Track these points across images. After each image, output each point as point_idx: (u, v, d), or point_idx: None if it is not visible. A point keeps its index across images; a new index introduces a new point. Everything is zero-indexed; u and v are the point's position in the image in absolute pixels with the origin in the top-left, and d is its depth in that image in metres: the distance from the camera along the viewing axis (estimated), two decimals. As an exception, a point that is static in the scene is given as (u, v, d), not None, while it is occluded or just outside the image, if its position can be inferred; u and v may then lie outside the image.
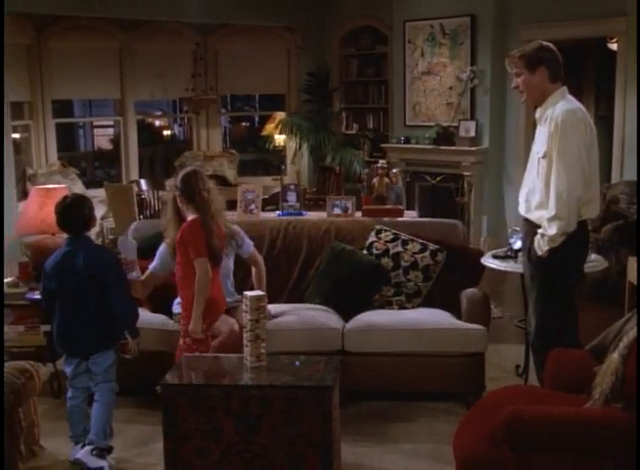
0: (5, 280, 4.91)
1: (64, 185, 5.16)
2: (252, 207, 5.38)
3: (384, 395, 4.42)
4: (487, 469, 2.92)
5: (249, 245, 4.54)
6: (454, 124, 8.46)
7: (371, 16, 9.52)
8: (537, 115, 3.87)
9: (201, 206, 4.01)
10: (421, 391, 4.40)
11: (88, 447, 3.60)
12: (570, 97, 3.80)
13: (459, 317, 4.47)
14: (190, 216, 4.02)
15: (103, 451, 3.60)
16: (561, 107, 3.70)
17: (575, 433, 2.73)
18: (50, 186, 5.01)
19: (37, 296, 4.58)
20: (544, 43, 3.86)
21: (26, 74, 8.32)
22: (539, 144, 3.82)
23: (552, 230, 3.63)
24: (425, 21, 8.63)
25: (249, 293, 3.57)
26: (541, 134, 3.81)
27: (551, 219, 3.64)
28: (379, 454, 3.84)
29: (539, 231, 3.72)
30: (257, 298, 3.55)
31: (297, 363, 3.62)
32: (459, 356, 4.31)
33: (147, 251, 4.81)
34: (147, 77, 9.28)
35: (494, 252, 4.75)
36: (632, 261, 5.90)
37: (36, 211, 4.85)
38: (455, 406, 4.36)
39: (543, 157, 3.73)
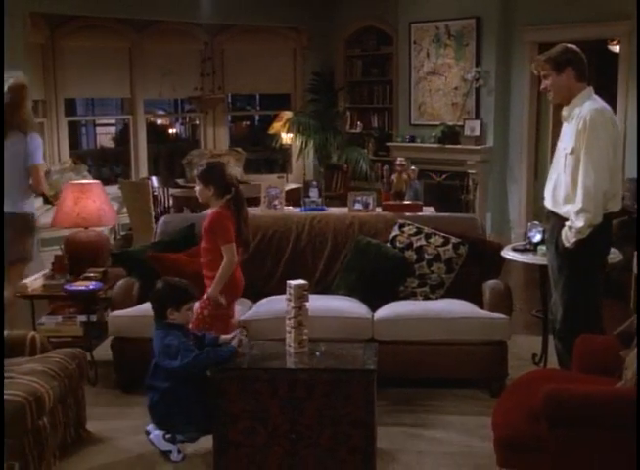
0: (41, 272, 5.07)
1: (95, 181, 5.31)
2: (276, 202, 5.56)
3: (411, 381, 4.61)
4: (525, 445, 3.13)
5: None
6: (459, 124, 8.67)
7: (376, 17, 9.72)
8: (564, 113, 4.07)
9: (236, 199, 4.21)
10: (446, 377, 4.61)
11: (162, 432, 3.77)
12: (595, 96, 4.00)
13: (480, 307, 4.66)
14: (215, 206, 4.22)
15: (175, 436, 3.76)
16: (588, 106, 3.91)
17: (612, 409, 2.93)
18: (84, 182, 5.17)
19: (75, 287, 4.76)
20: (569, 45, 4.06)
21: (40, 73, 8.45)
22: (566, 141, 4.01)
23: (580, 222, 3.83)
24: (430, 22, 8.84)
25: (292, 282, 3.75)
26: (568, 131, 4.01)
27: (579, 212, 3.83)
28: (411, 436, 4.04)
29: (567, 224, 3.91)
30: (300, 286, 3.73)
31: (324, 349, 3.81)
32: (483, 344, 4.50)
33: (177, 244, 4.99)
34: (156, 76, 9.42)
35: (513, 245, 4.96)
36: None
37: (71, 205, 5.01)
38: (479, 393, 4.56)
39: (571, 153, 3.93)
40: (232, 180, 4.27)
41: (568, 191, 3.95)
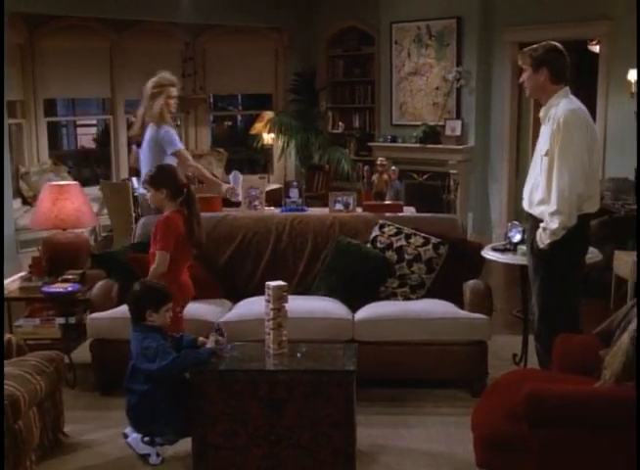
0: (18, 274, 5.03)
1: (73, 182, 5.27)
2: (256, 203, 5.53)
3: (391, 382, 4.61)
4: (505, 444, 3.14)
5: None
6: (440, 124, 8.68)
7: (357, 17, 9.71)
8: (541, 114, 4.06)
9: (188, 199, 4.23)
10: (427, 378, 4.59)
11: (140, 435, 3.74)
12: (572, 97, 3.98)
13: (461, 308, 4.65)
14: (168, 210, 4.21)
15: (153, 439, 3.73)
16: (563, 107, 3.89)
17: (592, 408, 2.93)
18: (62, 183, 5.13)
19: (53, 289, 4.71)
20: (554, 44, 4.00)
21: (19, 74, 8.38)
22: (542, 142, 4.00)
23: (553, 224, 3.82)
24: (411, 22, 8.84)
25: (271, 283, 3.73)
26: (544, 133, 4.00)
27: (553, 214, 3.82)
28: (392, 436, 4.03)
29: (541, 225, 3.91)
30: (279, 287, 3.72)
31: (304, 350, 3.80)
32: (464, 345, 4.50)
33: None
34: (137, 77, 9.28)
35: (493, 245, 4.97)
36: (619, 255, 6.16)
37: (49, 206, 4.97)
38: (459, 393, 4.56)
39: (545, 154, 3.92)
40: (183, 181, 4.29)
41: (543, 193, 3.93)
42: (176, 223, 4.15)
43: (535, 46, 4.04)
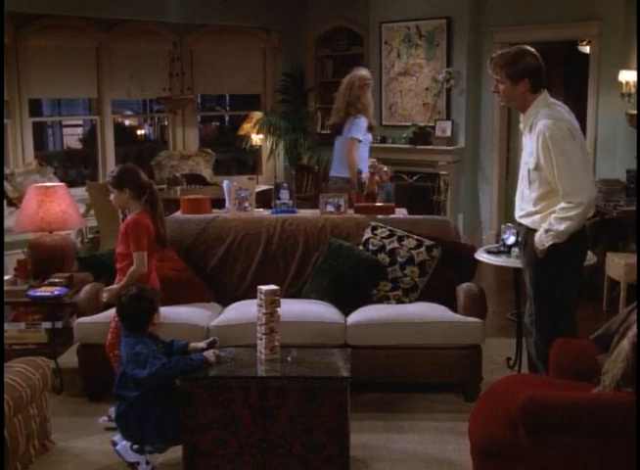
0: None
1: (60, 183, 5.17)
2: (246, 204, 5.45)
3: (384, 386, 4.55)
4: (502, 451, 3.06)
5: None
6: (430, 124, 8.63)
7: (346, 17, 9.64)
8: (521, 125, 3.94)
9: (152, 198, 4.20)
10: (420, 382, 4.53)
11: (129, 442, 3.65)
12: (550, 101, 3.86)
13: (454, 311, 4.60)
14: (134, 210, 4.18)
15: (142, 447, 3.64)
16: (542, 118, 3.74)
17: (591, 415, 2.87)
18: (48, 184, 5.03)
19: (39, 293, 4.62)
20: (528, 50, 3.87)
21: (4, 73, 8.26)
22: (527, 154, 3.88)
23: (560, 227, 3.68)
24: (401, 22, 8.79)
25: (263, 287, 3.66)
26: (528, 144, 3.87)
27: (564, 219, 3.68)
28: (386, 442, 3.97)
29: (544, 225, 3.76)
30: (272, 291, 3.65)
31: (296, 355, 3.76)
32: (457, 349, 4.44)
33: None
34: (124, 77, 9.27)
35: (487, 247, 4.91)
36: (610, 257, 6.13)
37: (35, 208, 4.88)
38: (453, 397, 4.51)
39: (534, 169, 3.80)
40: (146, 180, 4.26)
41: (532, 205, 3.85)
42: (146, 223, 4.14)
43: (507, 54, 3.87)
